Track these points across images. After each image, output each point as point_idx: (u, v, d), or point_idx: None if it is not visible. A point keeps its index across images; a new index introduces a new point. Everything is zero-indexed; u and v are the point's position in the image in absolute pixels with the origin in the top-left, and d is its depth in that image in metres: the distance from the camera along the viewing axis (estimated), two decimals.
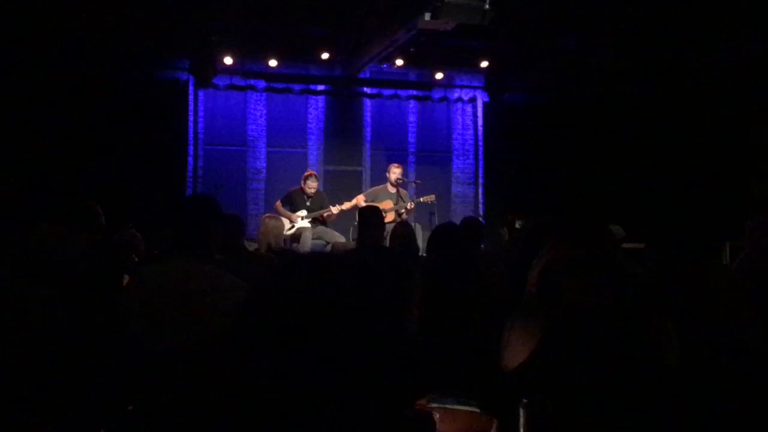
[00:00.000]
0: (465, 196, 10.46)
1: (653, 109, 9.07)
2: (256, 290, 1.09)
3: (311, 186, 8.37)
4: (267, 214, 6.26)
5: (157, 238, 5.48)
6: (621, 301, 1.78)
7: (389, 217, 8.31)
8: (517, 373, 1.72)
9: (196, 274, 2.56)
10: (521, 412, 1.39)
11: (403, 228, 5.65)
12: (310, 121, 9.94)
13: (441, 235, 3.95)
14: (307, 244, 7.99)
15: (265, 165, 9.76)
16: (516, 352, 1.68)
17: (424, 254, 7.59)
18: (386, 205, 8.43)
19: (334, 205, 8.37)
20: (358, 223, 5.00)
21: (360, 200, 8.54)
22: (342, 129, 10.02)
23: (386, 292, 1.13)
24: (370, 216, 5.02)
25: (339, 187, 9.67)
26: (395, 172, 8.56)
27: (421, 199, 8.48)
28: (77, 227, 4.03)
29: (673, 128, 8.91)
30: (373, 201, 8.47)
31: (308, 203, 8.45)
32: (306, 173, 8.53)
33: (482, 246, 5.62)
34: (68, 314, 2.49)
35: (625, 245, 5.74)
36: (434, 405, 1.60)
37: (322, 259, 1.11)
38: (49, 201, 6.49)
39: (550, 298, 1.83)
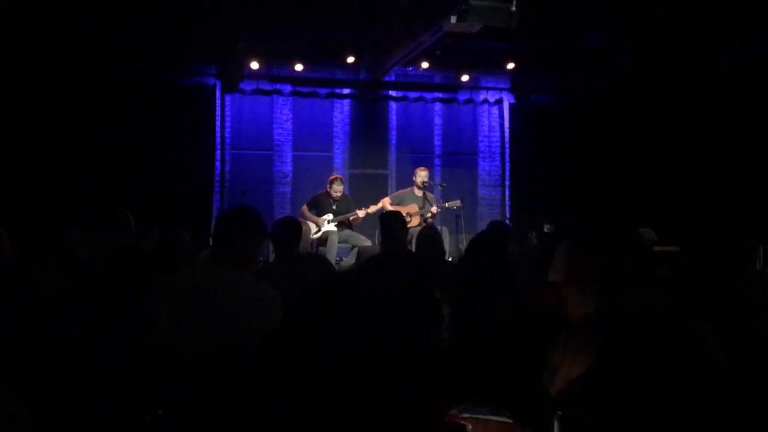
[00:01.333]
0: (491, 199, 10.44)
1: (685, 109, 8.94)
2: (289, 314, 1.14)
3: (337, 190, 8.40)
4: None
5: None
6: (665, 310, 1.76)
7: (414, 221, 8.35)
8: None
9: (228, 281, 2.58)
10: (556, 424, 1.37)
11: (428, 231, 5.62)
12: (336, 124, 10.00)
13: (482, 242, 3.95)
14: (333, 248, 8.03)
15: (291, 169, 9.82)
16: (566, 377, 1.62)
17: (451, 258, 7.71)
18: (412, 208, 8.47)
19: (360, 209, 8.39)
20: (381, 229, 4.99)
21: (386, 203, 8.56)
22: (367, 132, 10.06)
23: (406, 305, 1.14)
24: (391, 221, 5.04)
25: (365, 190, 9.73)
26: (421, 175, 8.57)
27: (446, 205, 8.52)
28: (108, 233, 4.08)
29: (707, 128, 8.72)
30: (398, 204, 8.52)
31: (334, 207, 8.48)
32: (332, 177, 8.56)
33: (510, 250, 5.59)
34: (91, 319, 2.54)
35: (656, 248, 5.70)
36: (466, 415, 1.57)
37: (333, 285, 1.15)
38: (80, 207, 6.60)
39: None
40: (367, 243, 8.24)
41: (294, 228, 4.31)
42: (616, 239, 1.94)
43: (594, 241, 1.93)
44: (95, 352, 2.40)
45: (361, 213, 8.36)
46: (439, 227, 7.53)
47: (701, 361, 1.45)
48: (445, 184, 9.15)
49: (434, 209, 8.39)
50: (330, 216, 8.46)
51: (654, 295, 1.85)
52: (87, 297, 2.70)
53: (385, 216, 5.40)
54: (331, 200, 8.48)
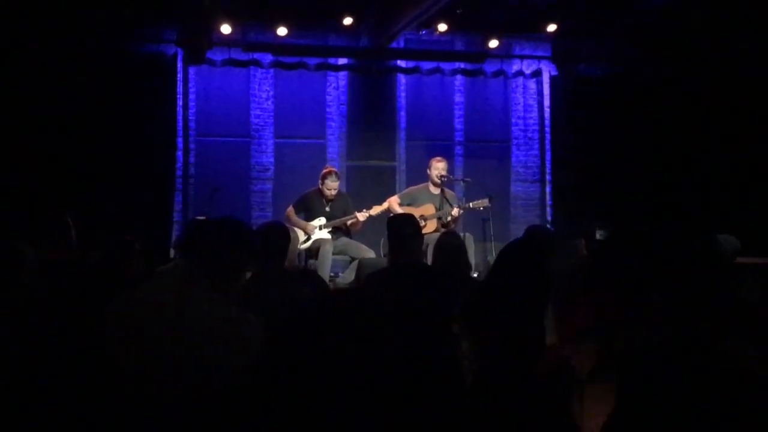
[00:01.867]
0: (528, 198, 10.45)
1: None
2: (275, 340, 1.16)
3: (331, 187, 8.42)
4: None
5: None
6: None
7: (430, 226, 8.38)
8: None
9: (197, 302, 2.63)
10: None
11: (449, 240, 5.70)
12: (330, 104, 10.05)
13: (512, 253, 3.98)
14: (326, 260, 8.07)
15: (273, 160, 9.85)
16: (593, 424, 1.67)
17: (477, 273, 7.70)
18: (427, 210, 8.51)
19: (360, 211, 8.42)
20: (388, 237, 5.04)
21: (393, 204, 8.61)
22: (370, 114, 10.11)
23: (420, 336, 1.15)
24: (400, 226, 4.99)
25: (366, 187, 9.80)
26: (438, 167, 8.59)
27: (471, 205, 8.58)
28: (42, 244, 4.08)
29: None
30: (409, 205, 8.53)
31: (328, 209, 8.52)
32: (325, 170, 8.58)
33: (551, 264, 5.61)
34: (28, 345, 2.61)
35: (739, 260, 5.70)
36: None
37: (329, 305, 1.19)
38: (4, 213, 6.61)
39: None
40: (370, 254, 8.25)
41: (280, 237, 4.38)
42: (688, 249, 1.96)
43: (661, 251, 1.96)
44: (29, 397, 2.46)
45: (361, 216, 8.37)
46: (461, 234, 7.48)
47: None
48: (468, 180, 9.12)
49: (455, 211, 8.42)
50: (323, 220, 8.48)
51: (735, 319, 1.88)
52: (17, 321, 2.74)
53: (393, 220, 5.38)
54: (324, 200, 8.50)
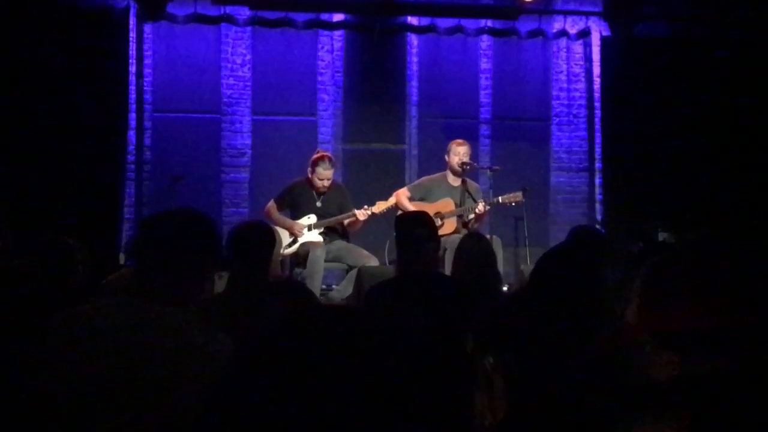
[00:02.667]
0: (573, 191, 10.47)
1: None
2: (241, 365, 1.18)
3: (324, 176, 8.41)
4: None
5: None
6: None
7: (449, 226, 8.39)
8: None
9: (153, 320, 2.63)
10: None
11: (473, 243, 5.75)
12: (322, 71, 10.07)
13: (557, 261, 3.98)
14: (317, 269, 8.08)
15: (249, 143, 9.86)
16: None
17: (507, 286, 7.71)
18: (444, 206, 8.53)
19: (360, 207, 8.39)
20: (396, 239, 5.02)
21: (402, 199, 8.62)
22: (373, 84, 10.10)
23: (434, 363, 1.18)
24: (411, 226, 4.96)
25: (368, 178, 9.80)
26: (459, 153, 8.60)
27: (500, 200, 8.49)
28: None
29: None
30: (422, 200, 8.52)
31: (319, 204, 8.54)
32: (315, 156, 8.56)
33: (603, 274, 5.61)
34: None
35: None
36: None
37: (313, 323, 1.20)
38: None
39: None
40: (372, 262, 8.26)
41: (260, 239, 4.43)
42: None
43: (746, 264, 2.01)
44: None
45: (361, 214, 8.34)
46: (487, 236, 7.55)
47: None
48: (497, 168, 8.98)
49: (480, 207, 8.36)
50: (313, 218, 8.50)
51: None
52: None
53: (401, 219, 5.34)
54: (315, 193, 8.52)
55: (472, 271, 5.44)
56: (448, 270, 6.53)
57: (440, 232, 7.94)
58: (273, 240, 4.55)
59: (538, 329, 2.94)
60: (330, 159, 8.51)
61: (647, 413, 2.08)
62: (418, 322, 3.93)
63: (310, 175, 8.47)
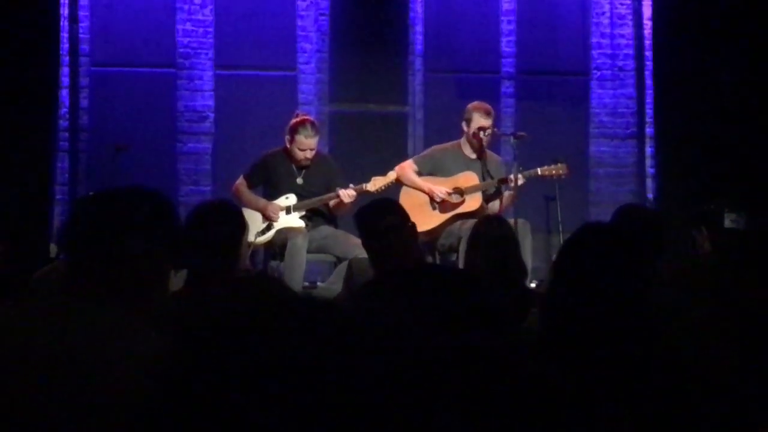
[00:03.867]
0: (618, 164, 10.55)
1: None
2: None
3: (306, 145, 8.41)
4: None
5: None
6: None
7: (472, 203, 8.48)
8: None
9: (84, 327, 2.61)
10: None
11: (492, 228, 5.83)
12: (303, 13, 10.11)
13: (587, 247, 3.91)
14: (297, 260, 8.16)
15: (212, 104, 9.93)
16: None
17: (535, 284, 7.91)
18: (466, 180, 8.60)
19: (348, 186, 8.43)
20: (361, 236, 5.39)
21: (406, 173, 8.69)
22: (366, 30, 10.10)
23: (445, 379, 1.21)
24: (377, 215, 5.21)
25: (362, 147, 9.85)
26: (478, 116, 8.59)
27: (540, 171, 8.61)
28: None
29: None
30: (432, 173, 8.64)
31: (300, 180, 8.58)
32: (295, 120, 8.56)
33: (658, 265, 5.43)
34: None
35: None
36: None
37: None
38: None
39: None
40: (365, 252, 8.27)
41: (226, 223, 4.47)
42: None
43: None
44: None
45: (345, 194, 8.38)
46: (510, 220, 7.60)
47: None
48: (523, 134, 8.99)
49: (514, 177, 8.38)
50: (292, 199, 8.54)
51: None
52: None
53: (362, 210, 5.54)
54: (295, 167, 8.57)
55: (491, 263, 5.46)
56: (462, 263, 6.69)
57: (462, 209, 8.35)
58: (242, 224, 4.55)
59: (576, 330, 2.91)
60: (313, 124, 8.53)
61: None
62: (427, 327, 3.88)
63: (288, 145, 8.49)
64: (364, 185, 8.43)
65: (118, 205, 2.84)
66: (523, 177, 8.41)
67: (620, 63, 10.59)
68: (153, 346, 2.55)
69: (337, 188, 8.42)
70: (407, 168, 8.69)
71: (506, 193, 8.52)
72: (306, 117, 8.66)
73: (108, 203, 2.89)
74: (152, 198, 2.89)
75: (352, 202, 8.34)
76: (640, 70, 10.58)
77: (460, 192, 8.33)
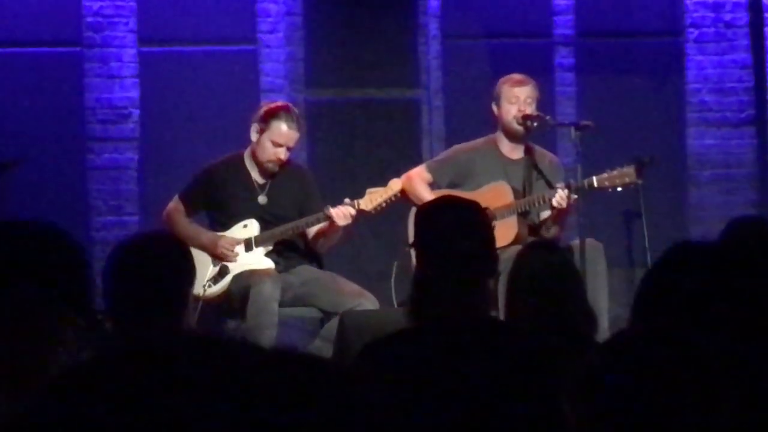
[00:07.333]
0: (727, 163, 9.87)
1: None
2: None
3: (284, 137, 7.95)
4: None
5: None
6: None
7: (506, 231, 7.86)
8: None
9: None
10: None
11: (541, 260, 5.47)
12: None
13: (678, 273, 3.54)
14: (265, 318, 7.75)
15: (137, 96, 9.43)
16: None
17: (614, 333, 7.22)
18: (496, 196, 8.18)
19: (336, 204, 7.88)
20: (417, 252, 4.71)
21: (414, 184, 8.32)
22: None
23: None
24: (451, 228, 4.49)
25: (353, 149, 9.60)
26: (518, 98, 8.17)
27: (596, 182, 8.09)
28: None
29: None
30: (455, 186, 8.31)
31: (263, 199, 8.09)
32: (266, 108, 8.05)
33: None
34: None
35: None
36: None
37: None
38: None
39: None
40: (366, 302, 7.86)
41: (167, 267, 4.41)
42: None
43: None
44: None
45: (341, 213, 7.77)
46: (573, 242, 7.80)
47: None
48: (589, 124, 8.34)
49: (559, 197, 7.91)
50: (252, 226, 8.01)
51: None
52: None
53: (426, 213, 4.99)
54: (254, 182, 8.06)
55: (541, 311, 5.07)
56: (503, 312, 5.95)
57: (497, 244, 7.38)
58: (187, 268, 4.49)
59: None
60: (297, 115, 8.11)
61: None
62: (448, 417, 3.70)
63: (255, 138, 7.93)
64: (356, 202, 7.87)
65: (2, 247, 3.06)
66: (573, 190, 7.91)
67: (727, 17, 9.93)
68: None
69: (328, 208, 7.82)
70: (416, 177, 8.32)
71: (548, 214, 8.20)
72: (280, 105, 8.23)
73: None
74: (50, 236, 3.05)
75: (347, 227, 7.95)
76: (757, 26, 10.10)
77: (491, 215, 7.67)
